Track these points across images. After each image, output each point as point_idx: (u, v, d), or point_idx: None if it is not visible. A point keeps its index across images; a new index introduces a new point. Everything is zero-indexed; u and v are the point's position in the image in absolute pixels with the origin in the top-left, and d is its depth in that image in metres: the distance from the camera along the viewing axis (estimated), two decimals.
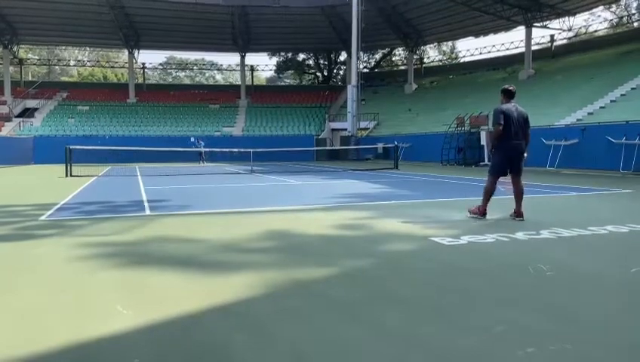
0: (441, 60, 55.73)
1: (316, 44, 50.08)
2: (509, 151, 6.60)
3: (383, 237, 5.50)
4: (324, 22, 43.08)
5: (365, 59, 54.96)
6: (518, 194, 6.62)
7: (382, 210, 7.80)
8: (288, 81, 66.03)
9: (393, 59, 59.41)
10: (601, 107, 24.12)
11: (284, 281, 3.78)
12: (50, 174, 18.48)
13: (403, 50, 52.52)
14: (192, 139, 35.56)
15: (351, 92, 34.32)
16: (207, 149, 29.98)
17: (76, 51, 67.13)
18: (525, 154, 6.75)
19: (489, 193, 6.67)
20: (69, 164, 17.49)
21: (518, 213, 6.56)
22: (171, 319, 2.96)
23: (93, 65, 64.57)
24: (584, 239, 5.33)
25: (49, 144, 32.18)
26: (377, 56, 59.15)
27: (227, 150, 26.76)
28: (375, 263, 4.41)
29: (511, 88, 6.78)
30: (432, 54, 57.33)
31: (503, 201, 8.81)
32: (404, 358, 2.41)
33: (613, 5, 43.33)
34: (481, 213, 6.60)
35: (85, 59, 67.23)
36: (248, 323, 2.88)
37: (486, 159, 23.85)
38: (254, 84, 56.40)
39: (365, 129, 37.35)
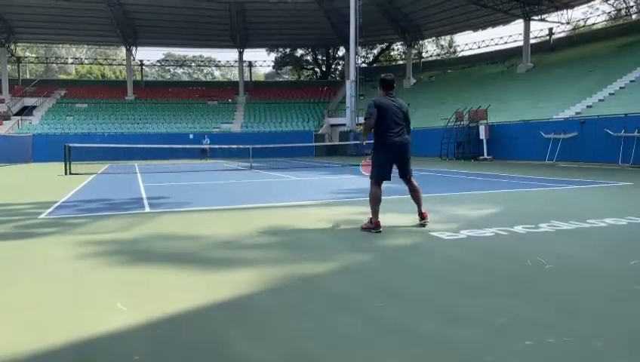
0: (439, 55, 55.59)
1: (314, 40, 49.98)
2: (390, 152, 5.66)
3: (383, 232, 5.50)
4: (321, 17, 42.96)
5: (363, 54, 54.82)
6: (416, 198, 5.85)
7: (381, 205, 7.79)
8: (287, 76, 65.91)
9: (391, 53, 59.27)
10: (600, 100, 24.12)
11: (285, 276, 3.78)
12: (50, 172, 18.48)
13: (401, 44, 52.43)
14: (191, 136, 35.57)
15: (349, 87, 34.22)
16: (208, 146, 30.15)
17: (74, 49, 66.94)
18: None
19: (375, 200, 5.65)
20: (68, 162, 17.49)
21: (420, 215, 5.80)
22: (171, 316, 2.97)
23: (91, 63, 64.45)
24: (583, 232, 5.33)
25: (48, 142, 32.21)
26: (375, 51, 59.00)
27: (226, 146, 26.75)
28: (375, 258, 4.42)
29: (388, 78, 5.70)
30: (430, 49, 57.24)
31: (497, 196, 8.84)
32: (404, 351, 2.41)
33: None
34: (375, 225, 5.53)
35: (83, 56, 67.16)
36: (249, 319, 2.89)
37: (484, 153, 23.88)
38: (253, 80, 56.29)
39: None
